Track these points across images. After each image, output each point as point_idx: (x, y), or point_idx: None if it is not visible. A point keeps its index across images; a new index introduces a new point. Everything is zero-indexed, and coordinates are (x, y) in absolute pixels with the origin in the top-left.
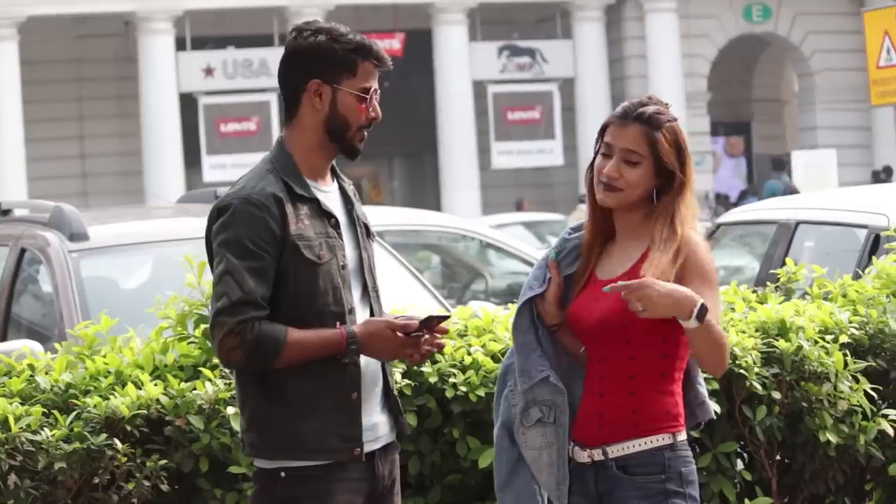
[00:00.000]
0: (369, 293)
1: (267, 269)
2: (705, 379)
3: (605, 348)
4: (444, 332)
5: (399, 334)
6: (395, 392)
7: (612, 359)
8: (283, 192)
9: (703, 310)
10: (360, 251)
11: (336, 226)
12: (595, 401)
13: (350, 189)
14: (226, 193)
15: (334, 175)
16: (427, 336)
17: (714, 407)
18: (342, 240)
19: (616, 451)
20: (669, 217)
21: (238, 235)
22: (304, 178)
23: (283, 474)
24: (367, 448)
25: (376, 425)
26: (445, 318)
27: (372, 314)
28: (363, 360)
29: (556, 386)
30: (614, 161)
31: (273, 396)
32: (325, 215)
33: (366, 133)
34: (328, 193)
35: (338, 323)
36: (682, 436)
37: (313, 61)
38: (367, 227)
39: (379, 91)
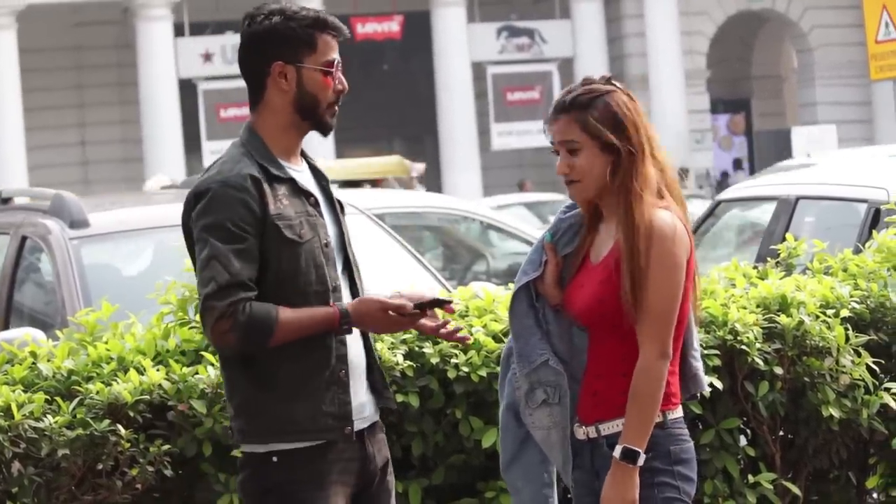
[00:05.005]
0: (350, 267)
1: (251, 250)
2: (706, 354)
3: (597, 332)
4: (451, 311)
5: (392, 313)
6: (378, 365)
7: (605, 342)
8: (259, 172)
9: (630, 455)
10: (339, 227)
11: (315, 204)
12: (592, 381)
13: (321, 167)
14: (201, 179)
15: (302, 155)
16: (420, 315)
17: (709, 379)
18: (323, 217)
19: (607, 428)
20: (623, 195)
21: (219, 219)
22: (278, 159)
23: (274, 458)
24: (356, 426)
25: (363, 405)
26: (446, 301)
27: (353, 287)
28: (347, 339)
29: (556, 369)
30: (561, 157)
31: (261, 382)
32: (304, 194)
33: (336, 107)
34: (301, 173)
35: (331, 301)
36: (675, 414)
37: (272, 43)
38: (340, 204)
39: (341, 62)
